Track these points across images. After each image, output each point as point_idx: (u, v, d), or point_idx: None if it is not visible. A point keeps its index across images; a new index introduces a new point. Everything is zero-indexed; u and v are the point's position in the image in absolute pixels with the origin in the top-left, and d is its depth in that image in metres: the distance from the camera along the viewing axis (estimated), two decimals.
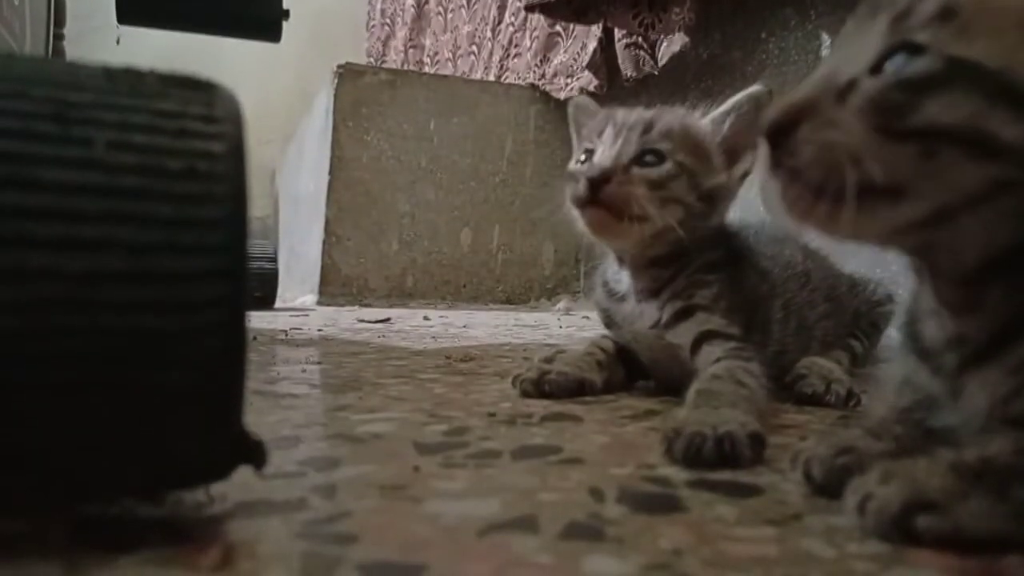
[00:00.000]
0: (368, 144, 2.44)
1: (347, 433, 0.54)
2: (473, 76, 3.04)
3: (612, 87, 2.18)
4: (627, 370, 0.75)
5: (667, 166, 0.66)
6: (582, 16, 1.96)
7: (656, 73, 1.85)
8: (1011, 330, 0.35)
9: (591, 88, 2.29)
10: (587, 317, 2.03)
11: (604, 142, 0.69)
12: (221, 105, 0.31)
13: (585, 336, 1.50)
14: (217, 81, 0.33)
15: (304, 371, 0.85)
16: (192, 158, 0.29)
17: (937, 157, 0.32)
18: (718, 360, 0.61)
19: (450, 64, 3.45)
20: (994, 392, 0.36)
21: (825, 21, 1.65)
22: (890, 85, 0.34)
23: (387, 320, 1.70)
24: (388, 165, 2.46)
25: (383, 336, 1.37)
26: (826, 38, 1.65)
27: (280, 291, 2.16)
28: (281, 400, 0.66)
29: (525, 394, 0.69)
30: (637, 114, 0.70)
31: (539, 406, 0.65)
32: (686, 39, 1.73)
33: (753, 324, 0.68)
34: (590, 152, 0.70)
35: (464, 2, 3.29)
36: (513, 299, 2.62)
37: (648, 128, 0.68)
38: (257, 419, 0.46)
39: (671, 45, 1.79)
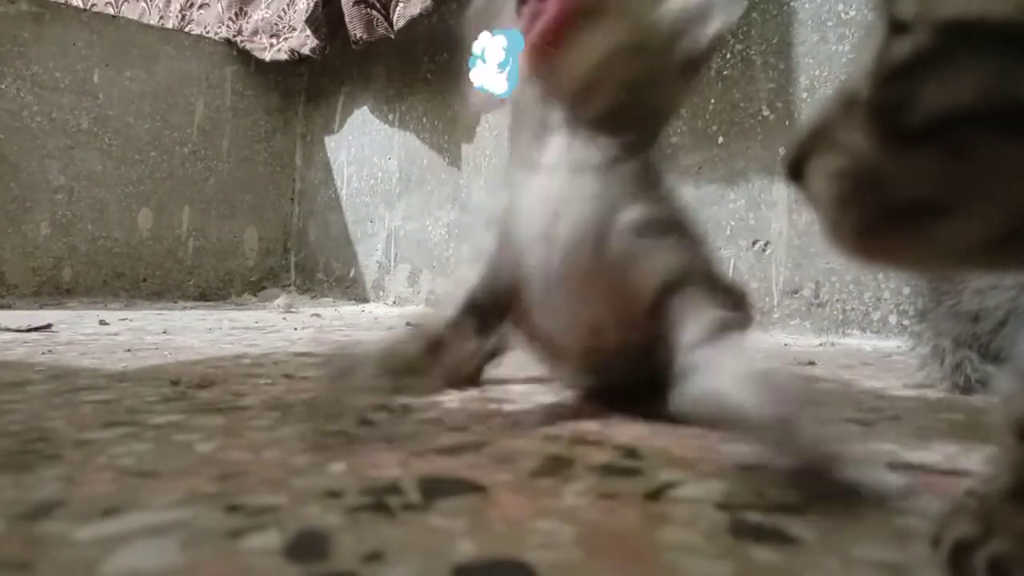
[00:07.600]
0: (3, 95, 1.86)
1: None
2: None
3: (332, 50, 1.92)
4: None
5: None
6: None
7: (392, 37, 1.64)
8: None
9: (305, 50, 2.00)
10: (317, 315, 1.75)
11: None
12: None
13: (332, 339, 1.24)
14: None
15: None
16: None
17: (970, 154, 0.24)
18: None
19: (111, 9, 2.85)
20: None
21: None
22: (881, 82, 0.26)
23: (47, 327, 1.26)
24: (34, 124, 1.90)
25: (49, 351, 0.97)
26: None
27: None
28: None
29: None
30: None
31: (393, 464, 0.42)
32: (428, 1, 1.55)
33: None
34: None
35: None
36: (209, 295, 2.21)
37: None
38: None
39: (409, 7, 1.59)
